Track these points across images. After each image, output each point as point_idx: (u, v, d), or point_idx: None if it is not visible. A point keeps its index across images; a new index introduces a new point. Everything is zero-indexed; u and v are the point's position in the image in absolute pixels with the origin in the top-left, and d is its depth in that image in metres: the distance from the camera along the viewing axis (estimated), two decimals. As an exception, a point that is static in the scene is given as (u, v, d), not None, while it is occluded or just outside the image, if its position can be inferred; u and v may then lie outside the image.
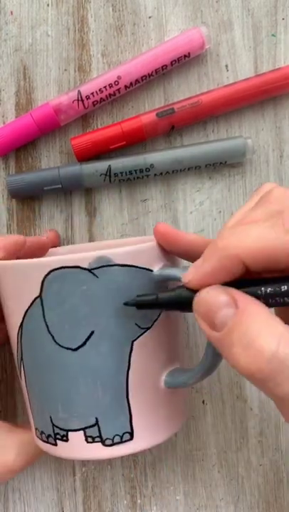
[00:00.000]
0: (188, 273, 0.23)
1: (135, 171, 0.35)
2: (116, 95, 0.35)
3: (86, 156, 0.35)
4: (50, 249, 0.34)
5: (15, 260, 0.28)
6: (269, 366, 0.19)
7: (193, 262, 0.23)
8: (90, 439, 0.27)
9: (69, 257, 0.25)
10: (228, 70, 0.35)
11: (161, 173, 0.35)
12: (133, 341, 0.26)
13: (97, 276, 0.25)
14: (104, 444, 0.27)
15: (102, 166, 0.35)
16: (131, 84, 0.34)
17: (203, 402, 0.37)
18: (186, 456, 0.37)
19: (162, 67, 0.34)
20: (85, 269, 0.25)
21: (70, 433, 0.27)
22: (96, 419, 0.26)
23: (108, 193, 0.37)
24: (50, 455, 0.29)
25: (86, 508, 0.37)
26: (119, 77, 0.34)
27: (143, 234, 0.36)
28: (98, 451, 0.27)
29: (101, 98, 0.35)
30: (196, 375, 0.26)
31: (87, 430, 0.27)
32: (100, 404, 0.26)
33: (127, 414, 0.27)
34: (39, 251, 0.33)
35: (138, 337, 0.26)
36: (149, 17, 0.35)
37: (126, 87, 0.34)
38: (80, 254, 0.25)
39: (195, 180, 0.36)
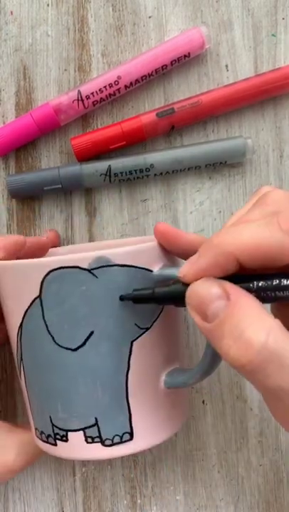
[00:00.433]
0: (184, 268, 0.23)
1: (135, 171, 0.35)
2: (116, 95, 0.35)
3: (86, 156, 0.35)
4: (50, 250, 0.34)
5: (14, 260, 0.28)
6: (258, 357, 0.19)
7: None
8: (89, 439, 0.27)
9: (68, 257, 0.25)
10: (228, 70, 0.35)
11: (161, 173, 0.35)
12: (132, 341, 0.26)
13: (96, 277, 0.25)
14: (103, 444, 0.27)
15: (102, 166, 0.35)
16: (131, 84, 0.34)
17: (203, 402, 0.37)
18: (186, 456, 0.37)
19: (162, 67, 0.34)
20: (84, 269, 0.25)
21: (69, 433, 0.27)
22: (96, 419, 0.26)
23: (108, 193, 0.37)
24: (50, 455, 0.29)
25: (86, 508, 0.37)
26: (119, 77, 0.34)
27: (143, 234, 0.36)
28: (98, 452, 0.27)
29: (101, 98, 0.35)
30: (195, 375, 0.26)
31: (86, 430, 0.27)
32: (99, 404, 0.26)
33: (126, 415, 0.27)
34: (39, 251, 0.33)
35: (137, 337, 0.26)
36: (149, 17, 0.35)
37: (126, 86, 0.34)
38: (79, 254, 0.25)
39: (195, 180, 0.36)
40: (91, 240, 0.37)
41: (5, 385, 0.38)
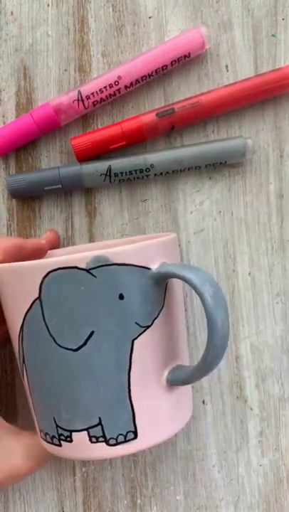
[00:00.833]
0: None
1: (135, 171, 0.35)
2: (116, 95, 0.35)
3: (86, 156, 0.35)
4: (49, 252, 0.35)
5: (13, 263, 0.28)
6: None
7: None
8: (93, 439, 0.27)
9: (66, 258, 0.25)
10: (228, 70, 0.35)
11: (161, 173, 0.35)
12: (133, 340, 0.26)
13: (95, 276, 0.25)
14: (108, 444, 0.27)
15: (102, 166, 0.35)
16: (131, 84, 0.34)
17: (203, 402, 0.37)
18: (186, 456, 0.37)
19: (162, 67, 0.34)
20: (82, 269, 0.25)
21: (73, 433, 0.27)
22: (99, 418, 0.26)
23: (108, 193, 0.37)
24: (55, 456, 0.29)
25: (86, 508, 0.37)
26: (119, 77, 0.34)
27: (143, 234, 0.36)
28: (102, 451, 0.27)
29: (101, 98, 0.35)
30: (196, 372, 0.26)
31: (90, 430, 0.27)
32: (102, 403, 0.26)
33: (129, 413, 0.27)
34: (38, 253, 0.33)
35: (138, 336, 0.26)
36: (149, 17, 0.35)
37: (126, 87, 0.34)
38: (77, 254, 0.25)
39: (195, 181, 0.36)
40: (91, 240, 0.37)
41: (5, 385, 0.38)
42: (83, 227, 0.37)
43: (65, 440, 0.27)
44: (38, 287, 0.26)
